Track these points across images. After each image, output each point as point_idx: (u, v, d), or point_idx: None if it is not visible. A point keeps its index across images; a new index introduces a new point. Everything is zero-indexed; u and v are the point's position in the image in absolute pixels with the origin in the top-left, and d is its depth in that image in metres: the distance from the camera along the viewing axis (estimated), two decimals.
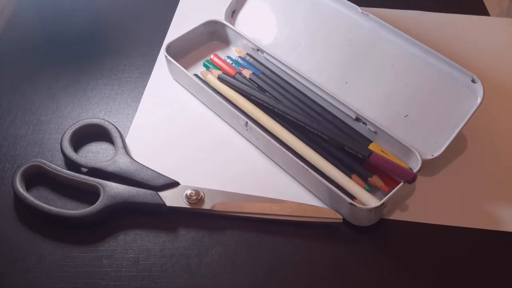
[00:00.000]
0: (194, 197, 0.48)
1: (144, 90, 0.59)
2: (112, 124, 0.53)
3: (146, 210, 0.48)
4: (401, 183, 0.46)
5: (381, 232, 0.47)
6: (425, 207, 0.49)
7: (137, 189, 0.48)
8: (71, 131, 0.52)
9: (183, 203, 0.48)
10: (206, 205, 0.48)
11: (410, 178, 0.46)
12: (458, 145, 0.53)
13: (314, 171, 0.48)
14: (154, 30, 0.66)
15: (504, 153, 0.53)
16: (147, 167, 0.50)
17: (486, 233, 0.47)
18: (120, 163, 0.50)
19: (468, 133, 0.54)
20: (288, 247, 0.46)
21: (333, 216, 0.47)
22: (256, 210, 0.47)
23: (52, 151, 0.53)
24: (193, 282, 0.44)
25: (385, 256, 0.46)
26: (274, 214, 0.47)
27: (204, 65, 0.60)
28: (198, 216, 0.48)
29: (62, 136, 0.52)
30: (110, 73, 0.61)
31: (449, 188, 0.50)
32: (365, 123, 0.52)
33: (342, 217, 0.47)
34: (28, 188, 0.49)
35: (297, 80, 0.57)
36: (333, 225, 0.47)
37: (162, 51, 0.60)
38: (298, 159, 0.49)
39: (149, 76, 0.60)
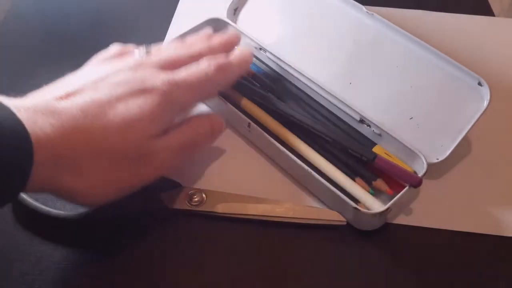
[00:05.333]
0: (196, 199, 0.47)
1: None
2: None
3: (147, 212, 0.47)
4: (406, 187, 0.46)
5: (384, 236, 0.47)
6: (430, 211, 0.48)
7: (138, 190, 0.47)
8: None
9: (184, 205, 0.47)
10: (208, 207, 0.47)
11: (415, 182, 0.45)
12: (463, 148, 0.52)
13: (317, 173, 0.47)
14: (155, 26, 0.65)
15: (510, 156, 0.53)
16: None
17: (493, 239, 0.47)
18: None
19: (472, 136, 0.53)
20: (291, 249, 0.46)
21: (337, 218, 0.46)
22: (259, 212, 0.47)
23: None
24: (195, 285, 0.43)
25: (389, 261, 0.45)
26: (277, 216, 0.47)
27: None
28: (200, 218, 0.47)
29: None
30: None
31: (454, 192, 0.50)
32: (369, 125, 0.51)
33: (345, 220, 0.46)
34: None
35: (300, 80, 0.56)
36: (336, 228, 0.47)
37: None
38: (301, 161, 0.48)
39: None
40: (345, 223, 0.46)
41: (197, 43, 0.50)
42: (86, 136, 0.38)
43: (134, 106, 0.41)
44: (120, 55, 0.47)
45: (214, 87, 0.48)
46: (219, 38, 0.52)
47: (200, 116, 0.48)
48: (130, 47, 0.48)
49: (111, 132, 0.39)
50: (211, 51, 0.49)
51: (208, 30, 0.54)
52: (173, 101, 0.43)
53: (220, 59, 0.48)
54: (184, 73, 0.45)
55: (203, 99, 0.49)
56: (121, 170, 0.40)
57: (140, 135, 0.41)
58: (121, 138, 0.40)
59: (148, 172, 0.42)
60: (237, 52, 0.51)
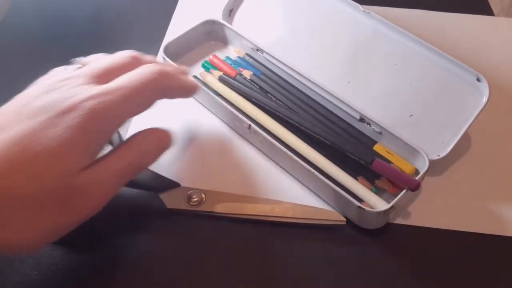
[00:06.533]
0: (195, 199, 0.47)
1: None
2: None
3: (146, 212, 0.47)
4: (404, 190, 0.45)
5: (385, 236, 0.46)
6: (432, 209, 0.48)
7: (137, 190, 0.47)
8: None
9: (184, 205, 0.47)
10: (208, 207, 0.47)
11: (413, 186, 0.45)
12: (463, 145, 0.52)
13: (320, 173, 0.47)
14: (154, 26, 0.65)
15: (510, 152, 0.53)
16: (147, 168, 0.48)
17: (495, 239, 0.46)
18: None
19: (473, 132, 0.53)
20: (291, 249, 0.45)
21: (336, 218, 0.46)
22: (258, 212, 0.47)
23: None
24: (195, 285, 0.43)
25: (390, 260, 0.45)
26: (276, 216, 0.46)
27: (203, 66, 0.59)
28: (199, 218, 0.47)
29: None
30: None
31: (456, 189, 0.50)
32: (369, 124, 0.51)
33: (345, 219, 0.46)
34: None
35: (298, 81, 0.56)
36: (337, 228, 0.46)
37: (161, 53, 0.59)
38: (303, 161, 0.48)
39: None
40: (344, 223, 0.46)
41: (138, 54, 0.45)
42: (5, 184, 0.34)
43: (54, 137, 0.35)
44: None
45: (154, 95, 0.41)
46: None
47: (143, 133, 0.42)
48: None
49: (32, 175, 0.35)
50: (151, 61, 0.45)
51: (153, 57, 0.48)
52: (105, 117, 0.37)
53: (164, 65, 0.44)
54: (118, 82, 0.39)
55: (141, 110, 0.41)
56: (49, 215, 0.36)
57: (63, 172, 0.35)
58: (42, 180, 0.35)
59: (82, 210, 0.37)
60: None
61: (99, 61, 0.42)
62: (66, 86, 0.38)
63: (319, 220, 0.46)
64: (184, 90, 0.46)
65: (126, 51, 0.44)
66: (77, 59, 0.44)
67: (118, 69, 0.41)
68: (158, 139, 0.42)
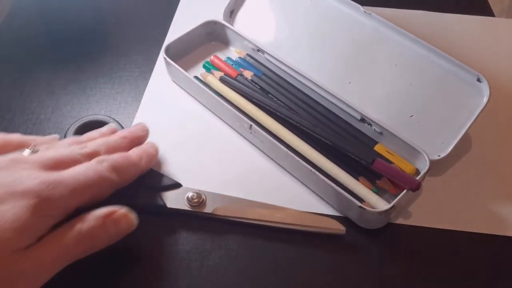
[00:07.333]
0: (195, 200, 0.47)
1: (145, 89, 0.58)
2: (116, 121, 0.51)
3: (146, 211, 0.47)
4: (405, 190, 0.45)
5: (387, 235, 0.46)
6: (432, 209, 0.48)
7: (138, 189, 0.47)
8: (74, 128, 0.50)
9: (184, 205, 0.47)
10: (207, 209, 0.47)
11: (413, 186, 0.45)
12: (464, 145, 0.52)
13: (320, 173, 0.47)
14: (155, 27, 0.65)
15: (511, 152, 0.53)
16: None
17: (497, 239, 0.46)
18: None
19: (473, 132, 0.53)
20: (291, 252, 0.45)
21: (336, 226, 0.45)
22: (257, 217, 0.46)
23: None
24: (194, 286, 0.43)
25: (392, 259, 0.45)
26: (276, 222, 0.46)
27: (204, 67, 0.59)
28: (199, 219, 0.47)
29: (65, 133, 0.50)
30: (111, 71, 0.60)
31: (457, 189, 0.50)
32: (370, 124, 0.51)
33: (344, 229, 0.45)
34: None
35: (299, 81, 0.56)
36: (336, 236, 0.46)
37: (162, 53, 0.59)
38: (304, 161, 0.48)
39: (150, 74, 0.59)
40: (344, 232, 0.45)
41: (93, 140, 0.46)
42: None
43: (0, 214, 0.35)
44: (4, 147, 0.42)
45: (106, 188, 0.42)
46: (121, 133, 0.48)
47: (98, 212, 0.40)
48: (28, 139, 0.44)
49: None
50: (108, 149, 0.45)
51: (111, 126, 0.50)
52: (52, 206, 0.37)
53: (116, 157, 0.43)
54: (68, 173, 0.39)
55: (93, 201, 0.41)
56: None
57: (2, 253, 0.34)
58: None
59: None
60: (141, 147, 0.47)
61: (50, 150, 0.42)
62: (18, 169, 0.38)
63: (318, 228, 0.46)
64: (139, 173, 0.46)
65: (75, 141, 0.45)
66: (32, 137, 0.44)
67: (68, 161, 0.41)
68: (114, 222, 0.41)
